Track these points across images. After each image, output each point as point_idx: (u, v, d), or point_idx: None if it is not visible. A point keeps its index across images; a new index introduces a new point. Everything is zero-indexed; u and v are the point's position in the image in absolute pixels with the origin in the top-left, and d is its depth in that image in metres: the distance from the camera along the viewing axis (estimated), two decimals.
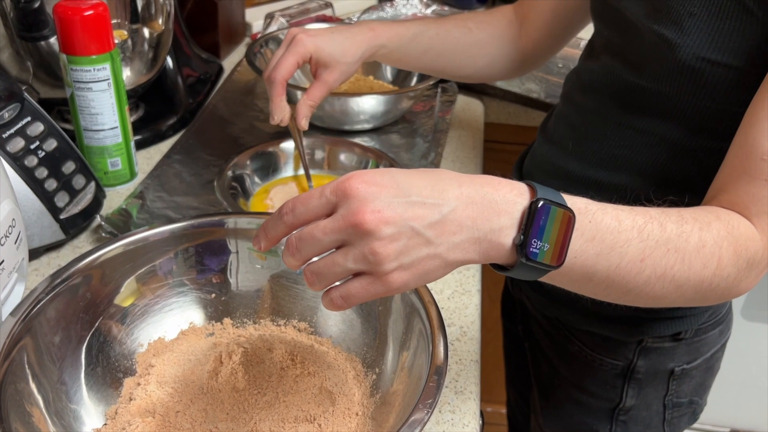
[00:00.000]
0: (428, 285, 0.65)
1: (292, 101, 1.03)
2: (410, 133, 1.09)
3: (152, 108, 1.08)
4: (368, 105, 1.02)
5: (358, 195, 0.45)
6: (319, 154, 0.94)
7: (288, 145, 0.92)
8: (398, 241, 0.45)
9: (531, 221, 0.46)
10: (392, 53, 0.87)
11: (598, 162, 0.72)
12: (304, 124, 0.85)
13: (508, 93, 1.18)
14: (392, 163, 0.90)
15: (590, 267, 0.50)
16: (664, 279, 0.52)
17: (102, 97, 0.84)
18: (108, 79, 0.83)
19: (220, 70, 1.25)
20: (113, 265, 0.63)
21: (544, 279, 0.50)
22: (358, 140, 1.05)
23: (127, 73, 0.97)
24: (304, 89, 1.02)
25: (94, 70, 0.82)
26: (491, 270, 0.51)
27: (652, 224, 0.51)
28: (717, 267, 0.53)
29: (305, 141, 0.93)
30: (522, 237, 0.46)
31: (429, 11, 1.57)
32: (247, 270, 0.68)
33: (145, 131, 1.04)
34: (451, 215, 0.46)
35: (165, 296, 0.66)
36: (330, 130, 1.06)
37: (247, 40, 1.40)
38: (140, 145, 1.01)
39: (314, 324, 0.67)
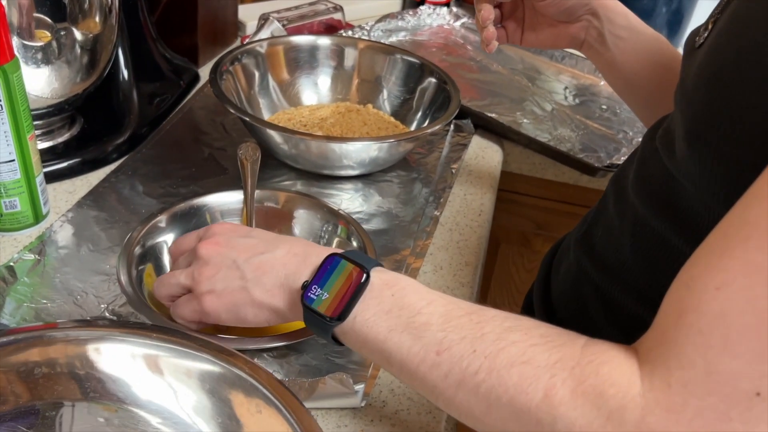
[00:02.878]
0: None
1: (260, 140, 0.82)
2: (408, 181, 0.88)
3: (94, 124, 0.88)
4: (353, 149, 0.81)
5: (211, 230, 0.55)
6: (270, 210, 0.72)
7: (232, 198, 0.71)
8: (218, 268, 0.52)
9: (318, 269, 0.49)
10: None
11: (649, 296, 0.51)
12: (493, 46, 0.75)
13: (534, 141, 0.95)
14: (364, 241, 0.68)
15: (382, 342, 0.46)
16: (465, 386, 0.43)
17: None
18: None
19: (195, 78, 1.05)
20: None
21: (351, 346, 0.48)
22: (339, 188, 0.84)
23: (52, 84, 0.77)
24: (280, 128, 0.81)
25: None
26: None
27: (468, 318, 0.44)
28: (544, 399, 0.40)
29: (258, 192, 0.72)
30: (306, 282, 0.49)
31: (458, 24, 1.35)
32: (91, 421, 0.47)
33: (82, 153, 0.84)
34: (270, 259, 0.51)
35: None
36: (308, 173, 0.85)
37: (239, 42, 1.19)
38: (73, 172, 0.82)
39: None
